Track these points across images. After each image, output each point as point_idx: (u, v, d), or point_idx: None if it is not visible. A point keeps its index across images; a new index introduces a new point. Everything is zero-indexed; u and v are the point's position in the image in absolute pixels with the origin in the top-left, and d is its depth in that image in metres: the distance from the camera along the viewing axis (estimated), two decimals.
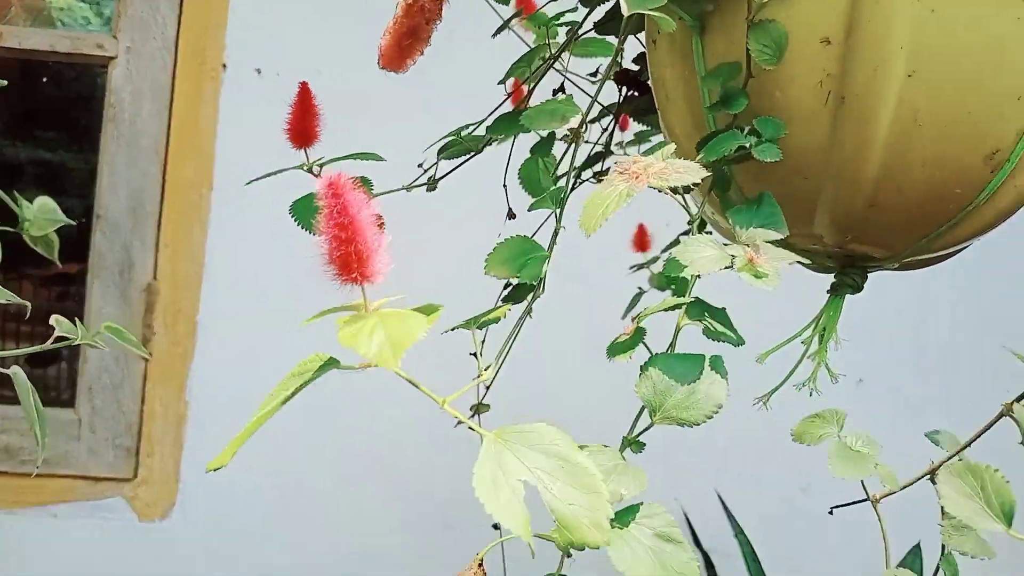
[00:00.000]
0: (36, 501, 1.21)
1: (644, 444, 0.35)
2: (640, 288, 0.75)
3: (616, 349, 0.36)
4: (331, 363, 0.30)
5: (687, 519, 1.26)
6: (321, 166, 0.48)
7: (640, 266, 0.77)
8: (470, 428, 0.28)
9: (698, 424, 0.32)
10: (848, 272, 0.37)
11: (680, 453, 1.28)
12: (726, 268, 0.31)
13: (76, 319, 0.49)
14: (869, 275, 0.38)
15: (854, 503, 0.43)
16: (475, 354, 0.37)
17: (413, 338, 0.26)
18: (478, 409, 0.53)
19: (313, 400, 1.34)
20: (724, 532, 1.26)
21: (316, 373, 0.30)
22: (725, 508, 1.20)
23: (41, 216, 0.56)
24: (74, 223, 0.58)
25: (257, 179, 0.54)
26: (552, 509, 0.26)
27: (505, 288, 0.45)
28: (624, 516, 0.30)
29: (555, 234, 0.38)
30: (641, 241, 0.78)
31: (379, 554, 1.26)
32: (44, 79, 1.72)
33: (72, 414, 1.24)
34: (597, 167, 0.58)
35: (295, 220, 0.46)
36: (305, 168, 0.49)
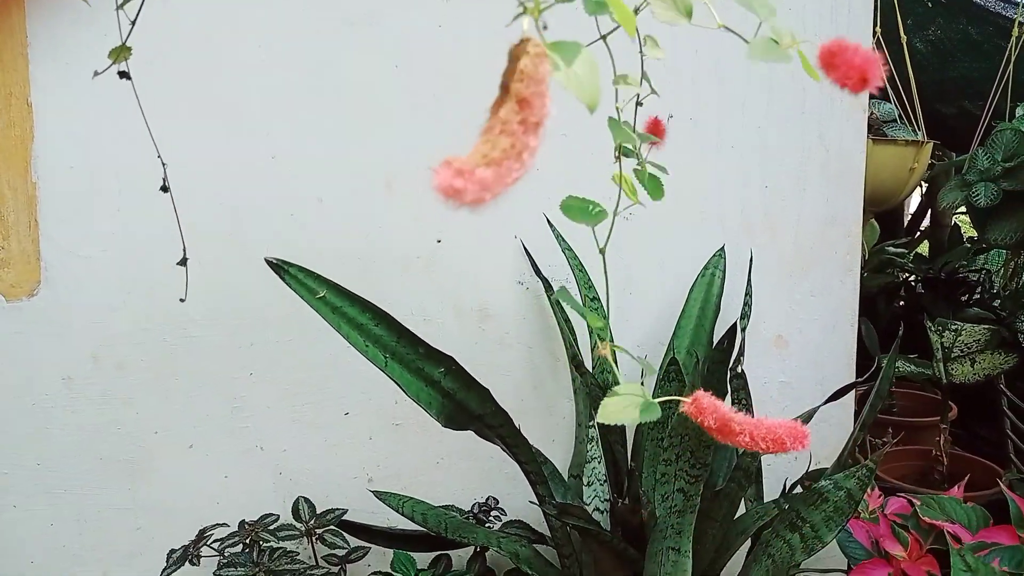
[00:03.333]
0: None
1: None
2: None
3: None
4: None
5: (527, 252, 1.39)
6: None
7: None
8: None
9: None
10: None
11: (518, 197, 1.40)
12: None
13: None
14: None
15: None
16: None
17: None
18: None
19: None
20: (559, 264, 1.41)
21: None
22: (552, 227, 1.33)
23: None
24: None
25: None
26: None
27: None
28: None
29: None
30: None
31: (251, 309, 1.36)
32: None
33: None
34: None
35: None
36: None
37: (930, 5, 3.00)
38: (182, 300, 0.87)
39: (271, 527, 1.30)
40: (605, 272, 0.41)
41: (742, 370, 1.39)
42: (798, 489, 1.35)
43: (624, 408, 0.33)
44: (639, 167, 0.46)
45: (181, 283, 1.33)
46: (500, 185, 0.30)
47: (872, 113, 2.20)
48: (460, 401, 1.03)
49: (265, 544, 1.28)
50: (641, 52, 0.52)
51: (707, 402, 0.35)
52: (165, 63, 1.28)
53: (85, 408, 1.32)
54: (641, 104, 0.52)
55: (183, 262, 0.77)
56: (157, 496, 1.36)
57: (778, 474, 1.50)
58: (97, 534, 1.34)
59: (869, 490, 1.40)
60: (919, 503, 1.25)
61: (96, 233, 1.29)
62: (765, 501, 1.39)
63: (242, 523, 1.30)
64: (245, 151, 1.33)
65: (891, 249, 3.22)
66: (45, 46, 1.24)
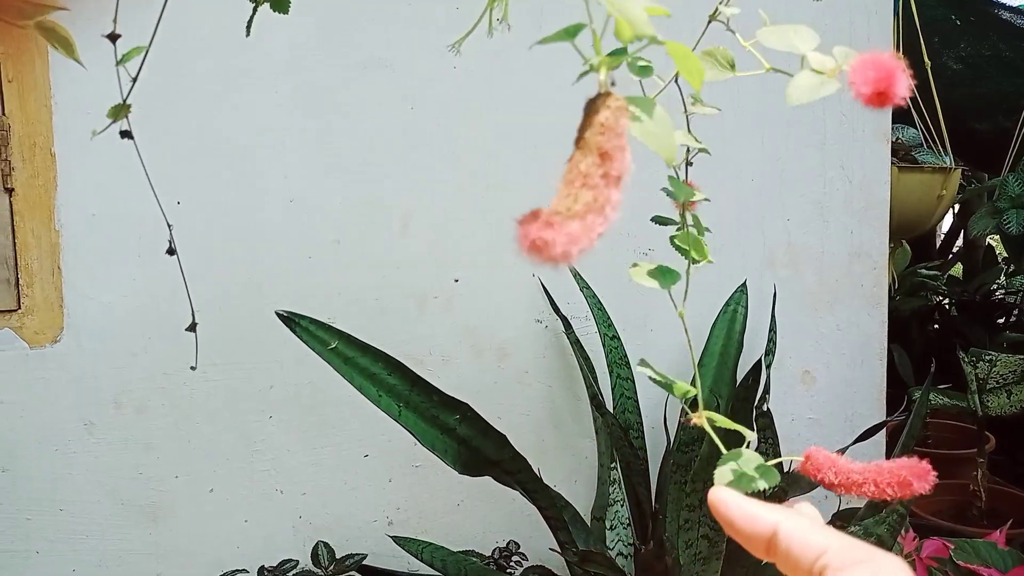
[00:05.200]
0: None
1: None
2: None
3: None
4: None
5: (545, 290, 1.38)
6: None
7: None
8: None
9: None
10: None
11: None
12: None
13: None
14: None
15: None
16: None
17: None
18: None
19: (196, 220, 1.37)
20: (578, 301, 1.39)
21: None
22: (569, 265, 1.32)
23: None
24: None
25: None
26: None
27: None
28: None
29: None
30: None
31: (262, 349, 1.36)
32: None
33: None
34: None
35: None
36: None
37: (958, 23, 2.96)
38: (193, 368, 0.85)
39: (289, 573, 1.29)
40: (687, 335, 0.39)
41: (768, 408, 1.36)
42: None
43: (739, 479, 0.32)
44: (686, 228, 0.44)
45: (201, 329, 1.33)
46: (587, 239, 0.28)
47: (898, 138, 2.16)
48: (476, 448, 1.02)
49: None
50: (685, 109, 0.50)
51: (823, 457, 0.33)
52: (180, 110, 1.29)
53: (106, 453, 1.33)
54: (691, 163, 0.51)
55: (192, 327, 0.74)
56: (177, 541, 1.36)
57: None
58: None
59: (903, 532, 1.35)
60: (953, 547, 1.20)
61: (118, 280, 1.30)
62: None
63: (261, 569, 1.29)
64: (262, 195, 1.34)
65: (923, 271, 3.14)
66: (68, 97, 1.26)
